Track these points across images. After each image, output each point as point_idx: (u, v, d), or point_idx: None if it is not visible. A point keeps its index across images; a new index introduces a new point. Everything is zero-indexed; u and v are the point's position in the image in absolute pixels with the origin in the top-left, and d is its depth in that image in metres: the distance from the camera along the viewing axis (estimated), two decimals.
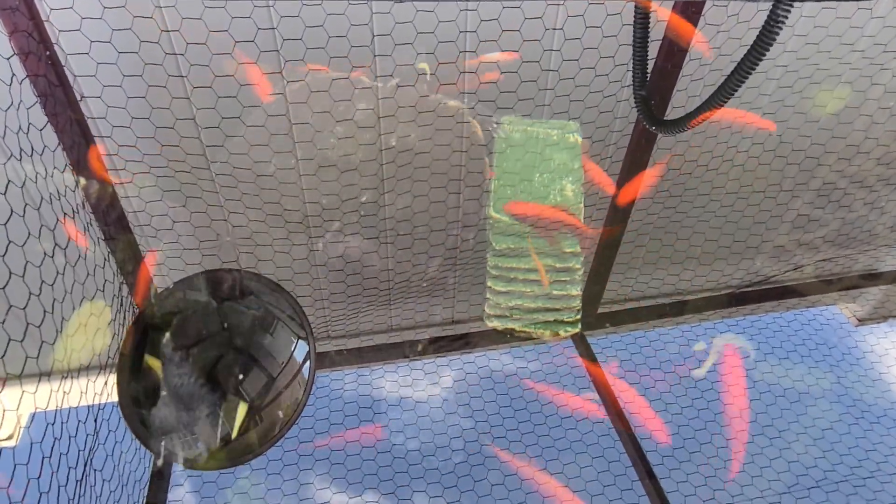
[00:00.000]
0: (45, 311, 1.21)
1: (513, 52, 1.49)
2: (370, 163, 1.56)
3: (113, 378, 1.29)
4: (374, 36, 1.55)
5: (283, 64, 1.55)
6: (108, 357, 1.34)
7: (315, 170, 1.66)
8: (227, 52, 1.51)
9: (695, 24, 1.69)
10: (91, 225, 1.55)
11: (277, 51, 1.55)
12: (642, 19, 1.73)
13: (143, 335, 1.36)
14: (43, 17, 1.46)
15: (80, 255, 1.39)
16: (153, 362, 1.29)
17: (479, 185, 1.56)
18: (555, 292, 1.28)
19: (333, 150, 1.49)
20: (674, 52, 1.74)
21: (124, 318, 1.44)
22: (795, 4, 1.43)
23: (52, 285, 1.26)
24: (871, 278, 2.10)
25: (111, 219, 1.57)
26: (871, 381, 1.77)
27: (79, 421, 1.25)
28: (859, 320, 1.98)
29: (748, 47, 1.48)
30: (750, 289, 1.99)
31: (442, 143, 1.50)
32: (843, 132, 1.92)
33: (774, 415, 1.67)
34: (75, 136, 1.54)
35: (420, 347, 1.67)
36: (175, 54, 1.52)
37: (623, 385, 1.53)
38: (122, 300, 1.49)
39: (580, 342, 1.70)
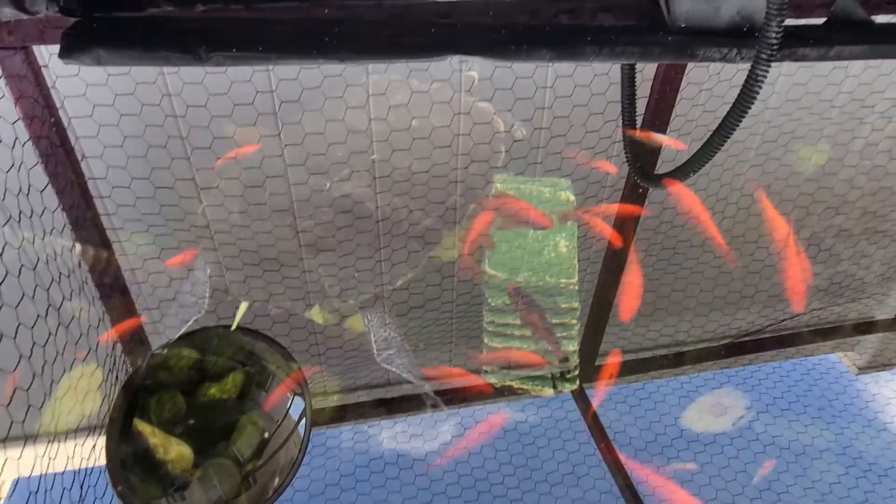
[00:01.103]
0: (34, 374, 1.17)
1: (680, 143, 1.56)
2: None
3: (101, 442, 1.24)
4: (369, 96, 1.58)
5: (281, 126, 1.57)
6: (98, 420, 1.29)
7: (314, 240, 1.66)
8: (226, 114, 1.54)
9: (678, 84, 1.73)
10: (86, 283, 1.53)
11: (275, 113, 1.57)
12: (629, 78, 1.78)
13: (133, 398, 1.31)
14: (49, 84, 1.48)
15: (73, 316, 1.36)
16: (142, 426, 1.24)
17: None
18: (552, 348, 1.25)
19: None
20: (661, 108, 1.77)
21: (116, 378, 1.40)
22: (773, 64, 1.48)
23: (43, 346, 1.23)
24: (867, 326, 2.07)
25: (107, 278, 1.55)
26: (875, 433, 1.72)
27: (63, 488, 1.19)
28: (859, 369, 1.94)
29: (731, 105, 1.51)
30: (747, 338, 1.97)
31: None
32: (828, 184, 1.94)
33: (780, 468, 1.61)
34: (75, 196, 1.54)
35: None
36: (176, 116, 1.54)
37: (661, 479, 1.48)
38: (114, 360, 1.45)
39: (579, 395, 1.66)
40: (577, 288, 1.31)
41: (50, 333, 1.24)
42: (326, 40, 1.36)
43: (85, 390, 1.30)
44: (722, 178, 1.87)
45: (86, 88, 1.48)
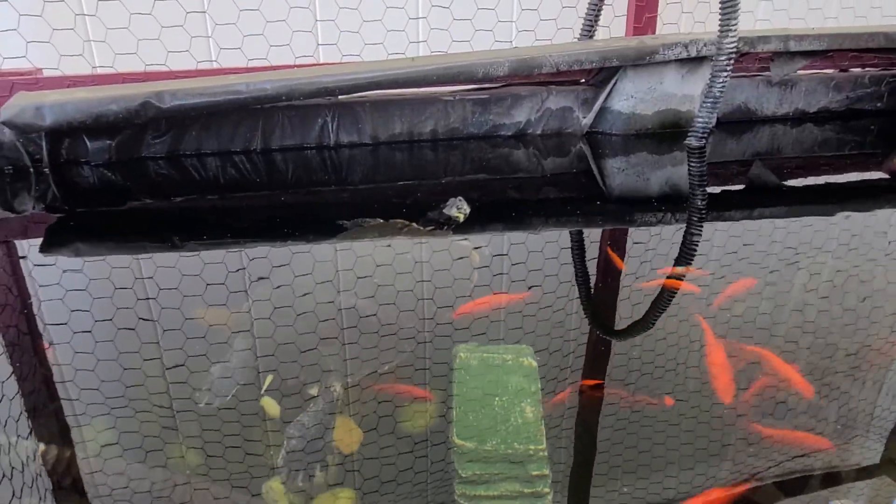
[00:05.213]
0: None
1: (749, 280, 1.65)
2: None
3: None
4: (337, 271, 1.64)
5: (252, 303, 1.60)
6: None
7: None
8: (197, 293, 1.56)
9: (624, 245, 1.85)
10: (36, 482, 1.41)
11: (246, 291, 1.60)
12: (578, 244, 1.90)
13: None
14: (25, 273, 1.51)
15: None
16: None
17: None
18: None
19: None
20: (610, 268, 1.87)
21: None
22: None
23: None
24: (854, 473, 2.00)
25: (63, 478, 1.44)
26: None
27: None
28: None
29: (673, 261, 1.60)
30: (740, 488, 1.87)
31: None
32: (775, 341, 2.00)
33: None
34: (36, 383, 1.49)
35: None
36: (148, 299, 1.56)
37: None
38: None
39: None
40: (546, 454, 1.26)
41: None
42: (294, 223, 1.45)
43: None
44: (678, 329, 1.92)
45: (61, 276, 1.51)
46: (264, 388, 1.42)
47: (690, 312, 1.81)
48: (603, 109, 3.06)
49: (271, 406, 1.40)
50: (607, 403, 1.52)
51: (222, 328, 1.57)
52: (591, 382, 1.54)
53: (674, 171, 2.87)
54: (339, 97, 2.81)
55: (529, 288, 1.77)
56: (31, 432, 1.41)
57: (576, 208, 2.38)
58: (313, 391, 1.44)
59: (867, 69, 3.49)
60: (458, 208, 1.97)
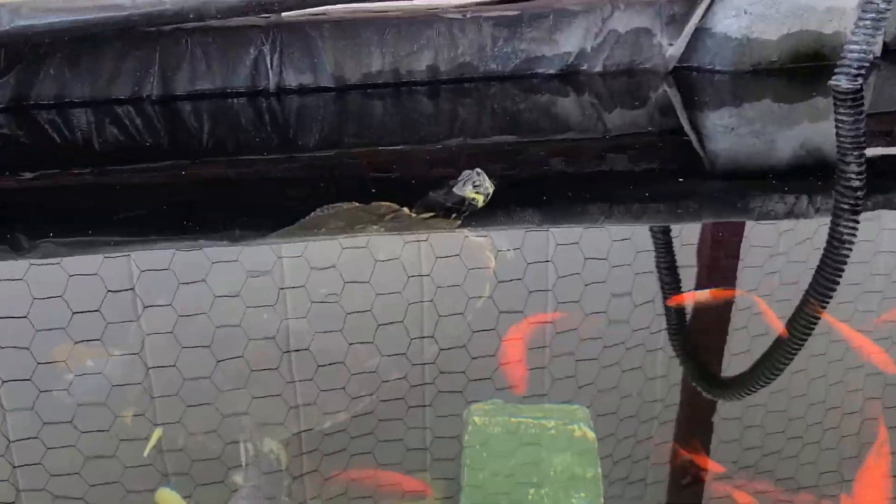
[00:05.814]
0: None
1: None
2: None
3: None
4: (281, 289, 1.63)
5: (144, 337, 1.60)
6: None
7: None
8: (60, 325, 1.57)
9: (736, 248, 1.84)
10: None
11: (136, 319, 1.61)
12: (665, 244, 1.91)
13: None
14: None
15: None
16: None
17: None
18: None
19: None
20: (715, 281, 1.87)
21: None
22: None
23: None
24: None
25: None
26: None
27: None
28: None
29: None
30: None
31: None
32: None
33: None
34: None
35: None
36: None
37: None
38: None
39: None
40: None
41: None
42: (211, 210, 1.45)
43: None
44: (820, 380, 1.91)
45: None
46: (148, 448, 1.41)
47: (839, 354, 1.81)
48: (700, 32, 3.06)
49: (170, 501, 1.40)
50: (710, 497, 1.52)
51: (95, 378, 1.57)
52: (684, 462, 1.54)
53: (813, 129, 2.86)
54: (283, 14, 2.81)
55: (585, 316, 1.77)
56: None
57: (657, 189, 2.37)
58: (238, 478, 1.43)
59: None
60: (476, 186, 1.98)
